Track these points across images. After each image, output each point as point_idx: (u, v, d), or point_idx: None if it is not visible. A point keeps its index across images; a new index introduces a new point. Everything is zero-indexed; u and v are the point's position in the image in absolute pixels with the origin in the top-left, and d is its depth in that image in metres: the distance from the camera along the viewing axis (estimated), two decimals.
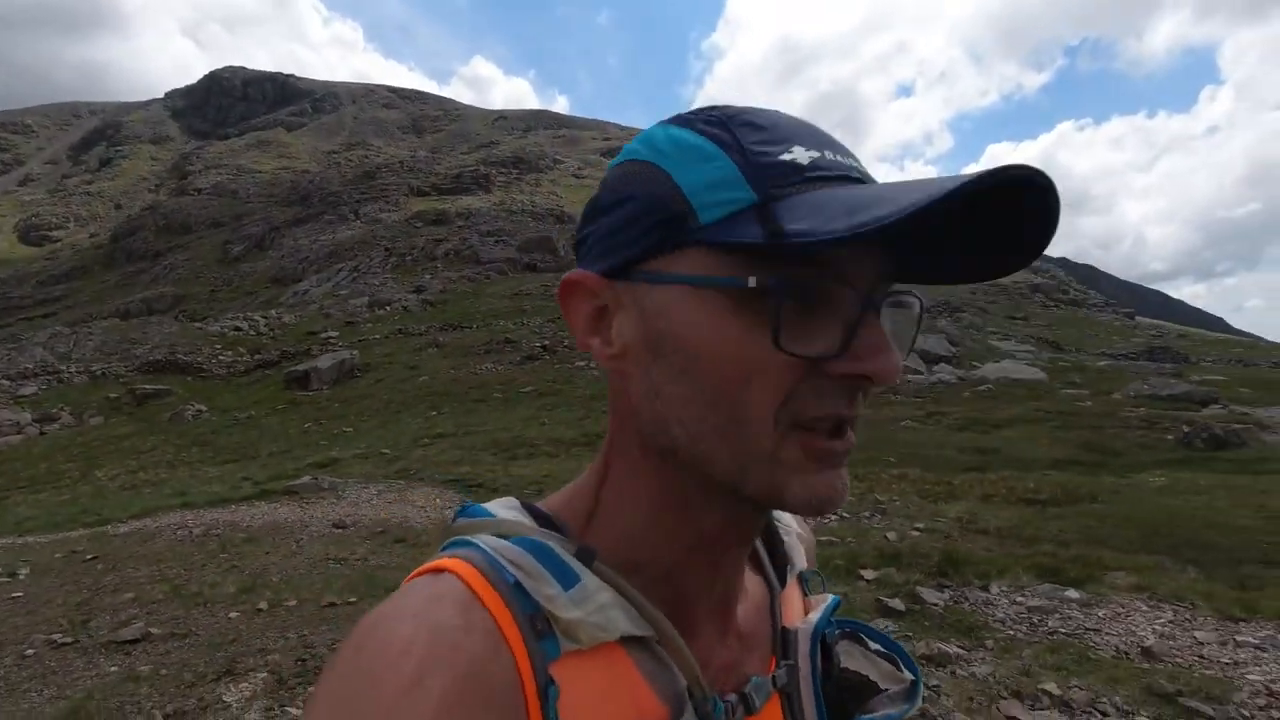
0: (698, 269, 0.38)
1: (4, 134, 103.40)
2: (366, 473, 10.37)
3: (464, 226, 47.81)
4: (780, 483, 0.38)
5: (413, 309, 31.94)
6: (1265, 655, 3.28)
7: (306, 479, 9.48)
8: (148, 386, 22.57)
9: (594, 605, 0.39)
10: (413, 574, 0.41)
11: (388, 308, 32.34)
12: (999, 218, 0.37)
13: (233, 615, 4.58)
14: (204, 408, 20.52)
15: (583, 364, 19.91)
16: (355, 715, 0.32)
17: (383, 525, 6.99)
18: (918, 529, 5.70)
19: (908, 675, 0.52)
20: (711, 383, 0.38)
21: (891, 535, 5.44)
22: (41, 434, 20.68)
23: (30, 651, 4.12)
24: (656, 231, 0.39)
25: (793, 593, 0.54)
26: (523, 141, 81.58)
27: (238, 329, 30.00)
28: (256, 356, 26.06)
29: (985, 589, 4.15)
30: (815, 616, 0.51)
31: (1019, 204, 0.35)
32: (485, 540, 0.41)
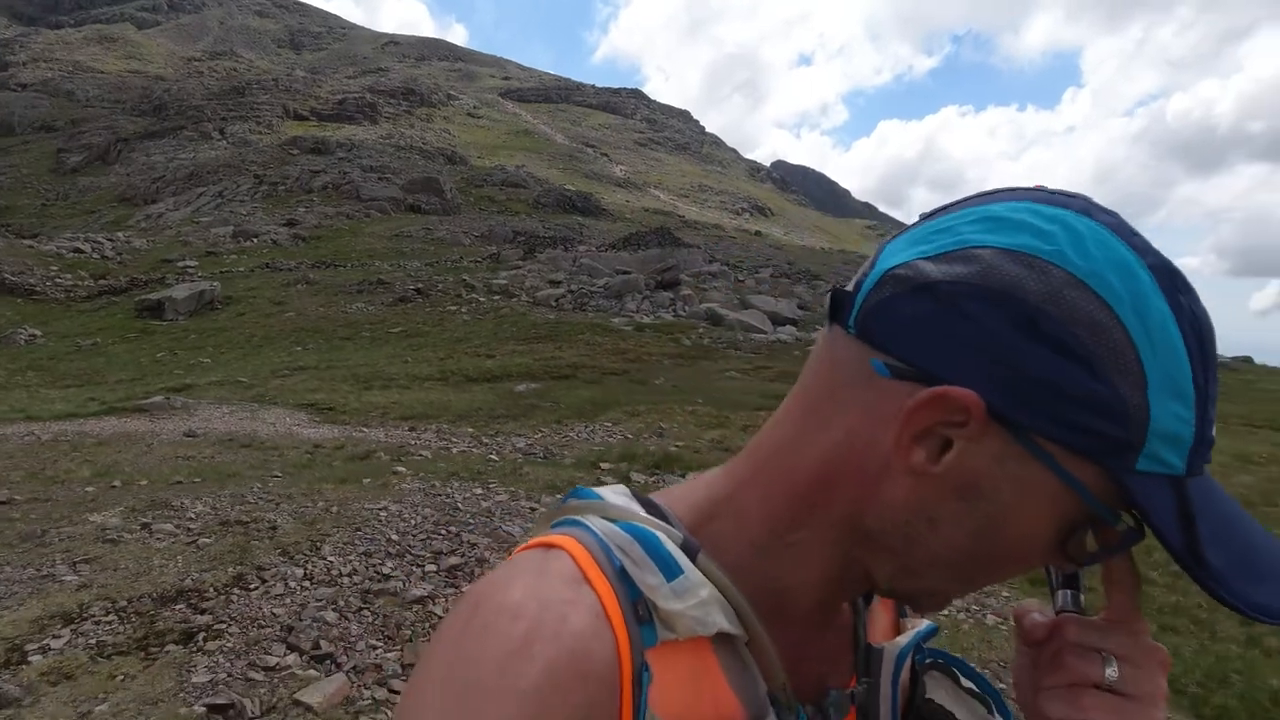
0: (1090, 483, 0.36)
1: None
2: (221, 397, 11.14)
3: (345, 159, 46.10)
4: (921, 606, 0.45)
5: (283, 243, 31.15)
6: None
7: (158, 399, 10.19)
8: None
9: (695, 600, 0.41)
10: (522, 547, 0.44)
11: (255, 239, 31.32)
12: None
13: (89, 490, 5.64)
14: (38, 332, 19.74)
15: (454, 309, 20.83)
16: (464, 670, 0.36)
17: (231, 435, 8.05)
18: (676, 446, 7.54)
19: (998, 719, 0.52)
20: (992, 555, 0.39)
21: (652, 448, 7.24)
22: None
23: None
24: (1094, 442, 0.35)
25: (882, 612, 0.55)
26: (415, 71, 78.18)
27: (78, 250, 28.21)
28: (101, 282, 24.88)
29: (682, 476, 5.98)
30: (904, 639, 0.52)
31: None
32: (595, 523, 0.43)
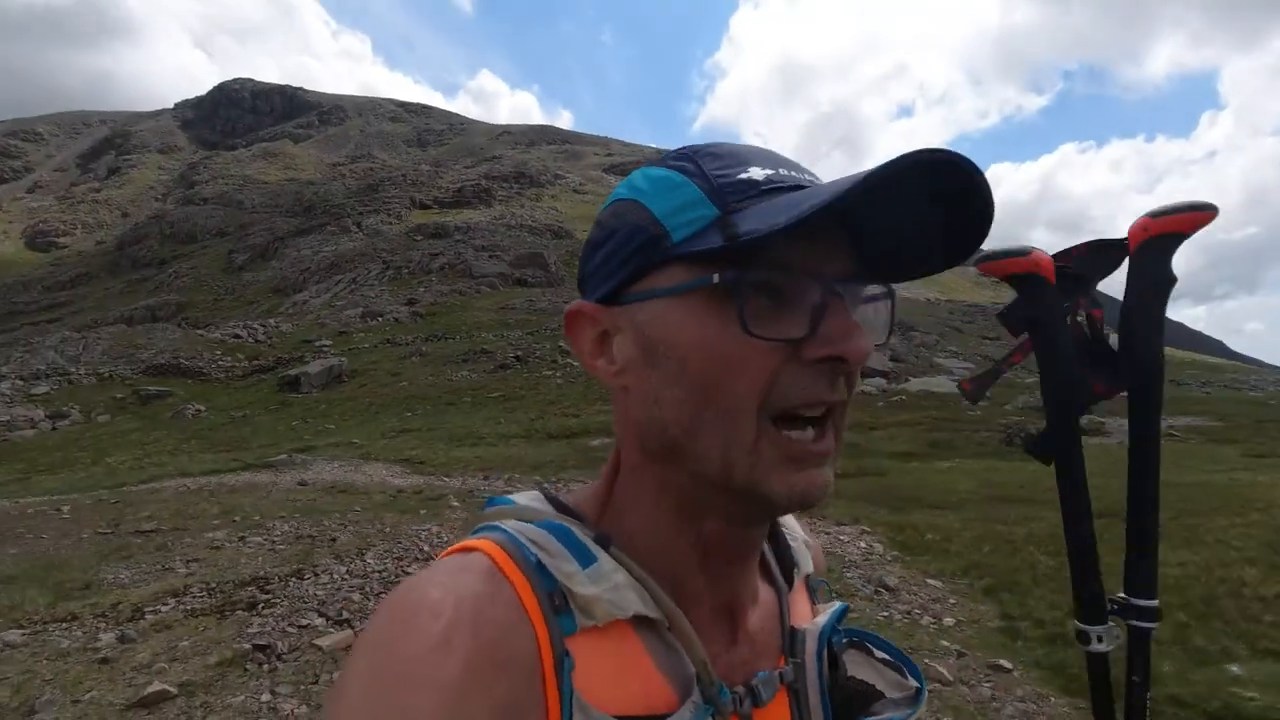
0: (676, 280, 0.44)
1: (14, 141, 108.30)
2: (334, 455, 12.86)
3: (460, 241, 50.35)
4: (760, 477, 0.43)
5: (403, 320, 34.58)
6: (855, 541, 5.65)
7: (282, 457, 11.99)
8: (151, 388, 25.26)
9: (609, 584, 0.44)
10: (444, 553, 0.46)
11: (380, 319, 35.01)
12: (943, 206, 0.42)
13: (215, 522, 7.04)
14: (203, 407, 23.15)
15: (549, 373, 22.38)
16: (388, 665, 0.37)
17: (334, 483, 9.46)
18: None
19: (912, 683, 0.56)
20: (699, 378, 0.43)
21: None
22: (53, 429, 23.33)
23: (85, 535, 6.59)
24: (638, 255, 0.45)
25: (800, 596, 0.59)
26: (526, 156, 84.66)
27: (237, 336, 32.79)
28: (254, 362, 28.77)
29: None
30: (823, 620, 0.55)
31: (955, 189, 0.41)
32: (510, 524, 0.47)
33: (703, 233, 0.43)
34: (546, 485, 9.07)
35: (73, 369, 29.54)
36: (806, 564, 0.60)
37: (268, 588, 4.08)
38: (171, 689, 2.88)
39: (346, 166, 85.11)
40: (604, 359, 0.48)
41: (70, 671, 3.14)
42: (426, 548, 4.92)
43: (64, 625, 3.66)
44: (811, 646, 0.53)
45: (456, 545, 0.46)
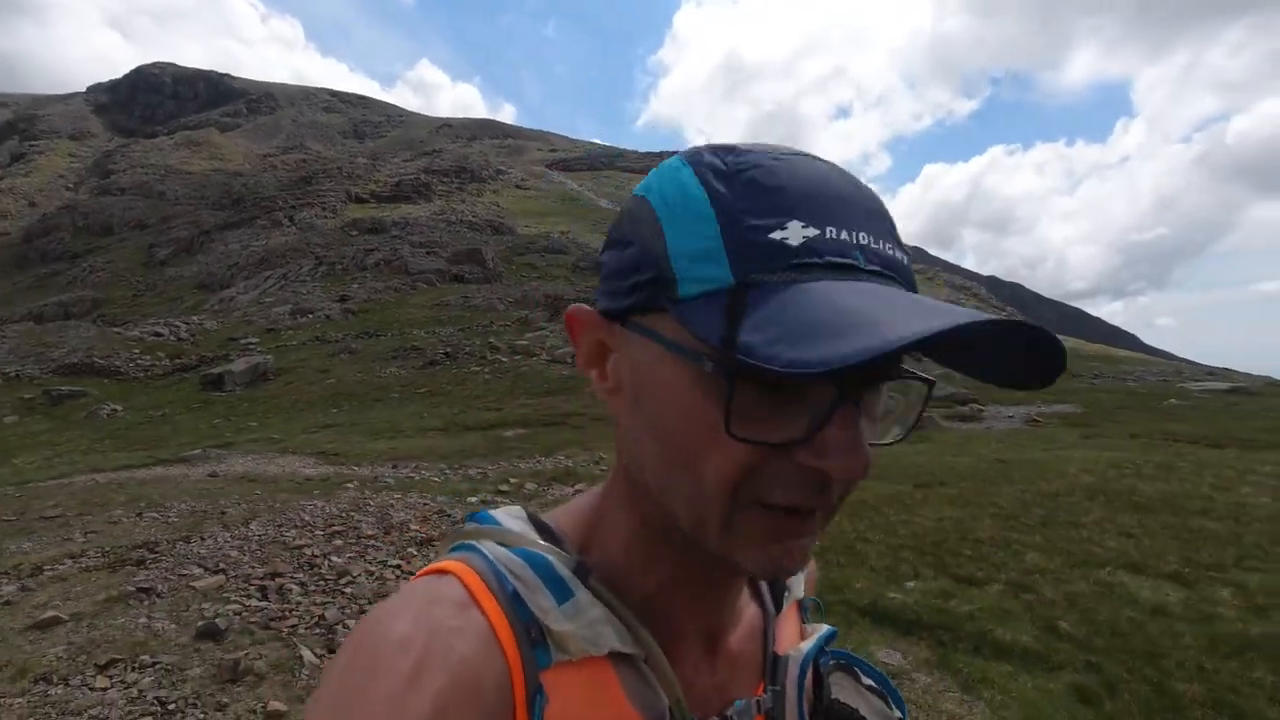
0: (673, 335, 0.40)
1: None
2: (251, 450, 13.31)
3: (398, 236, 50.09)
4: (732, 548, 0.40)
5: (334, 317, 34.52)
6: None
7: (197, 451, 12.41)
8: (64, 388, 24.82)
9: (585, 620, 0.43)
10: (419, 573, 0.45)
11: (310, 316, 34.86)
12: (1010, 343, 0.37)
13: (118, 513, 7.59)
14: (119, 407, 22.94)
15: (477, 369, 23.00)
16: (356, 704, 0.36)
17: (245, 474, 10.02)
18: (592, 468, 9.01)
19: (896, 713, 0.56)
20: (674, 446, 0.40)
21: (558, 467, 8.74)
22: None
23: None
24: (644, 290, 0.41)
25: (789, 619, 0.58)
26: (467, 150, 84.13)
27: (158, 334, 32.26)
28: (176, 360, 28.46)
29: (569, 488, 7.46)
30: (808, 645, 0.54)
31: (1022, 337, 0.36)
32: (489, 547, 0.46)
33: (711, 299, 0.38)
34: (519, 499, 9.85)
35: None
36: (799, 588, 0.60)
37: (156, 549, 4.80)
38: (64, 616, 3.62)
39: (278, 158, 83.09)
40: (598, 371, 0.46)
41: None
42: (307, 518, 5.68)
43: None
44: (793, 673, 0.53)
45: (431, 566, 0.46)
